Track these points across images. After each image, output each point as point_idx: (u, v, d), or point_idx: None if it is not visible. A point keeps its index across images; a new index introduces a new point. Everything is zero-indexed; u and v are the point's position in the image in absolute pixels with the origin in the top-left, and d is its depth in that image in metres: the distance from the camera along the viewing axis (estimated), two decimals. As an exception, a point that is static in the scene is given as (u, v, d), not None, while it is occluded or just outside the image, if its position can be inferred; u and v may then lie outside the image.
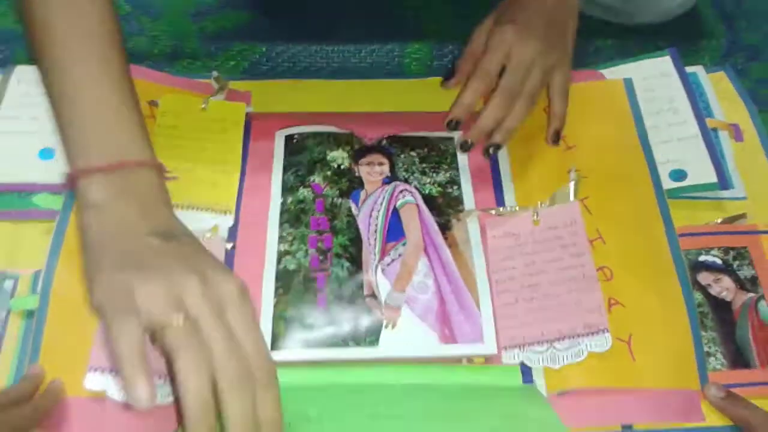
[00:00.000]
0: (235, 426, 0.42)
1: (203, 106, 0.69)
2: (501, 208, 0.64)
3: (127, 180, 0.51)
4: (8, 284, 0.59)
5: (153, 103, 0.68)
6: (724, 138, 0.69)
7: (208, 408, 0.42)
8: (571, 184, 0.63)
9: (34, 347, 0.55)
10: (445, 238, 0.62)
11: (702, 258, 0.62)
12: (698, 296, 0.60)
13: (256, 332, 0.45)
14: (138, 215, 0.50)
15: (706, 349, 0.57)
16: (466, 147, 0.65)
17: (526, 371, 0.56)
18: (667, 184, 0.65)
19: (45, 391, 0.53)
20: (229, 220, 0.63)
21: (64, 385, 0.54)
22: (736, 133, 0.70)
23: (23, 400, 0.51)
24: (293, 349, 0.56)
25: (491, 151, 0.65)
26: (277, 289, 0.59)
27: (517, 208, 0.64)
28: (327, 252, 0.61)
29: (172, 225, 0.51)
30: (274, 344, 0.56)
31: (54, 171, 0.62)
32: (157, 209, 0.51)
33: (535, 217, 0.63)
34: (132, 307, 0.44)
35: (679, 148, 0.67)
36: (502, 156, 0.68)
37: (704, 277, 0.61)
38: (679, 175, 0.66)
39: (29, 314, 0.57)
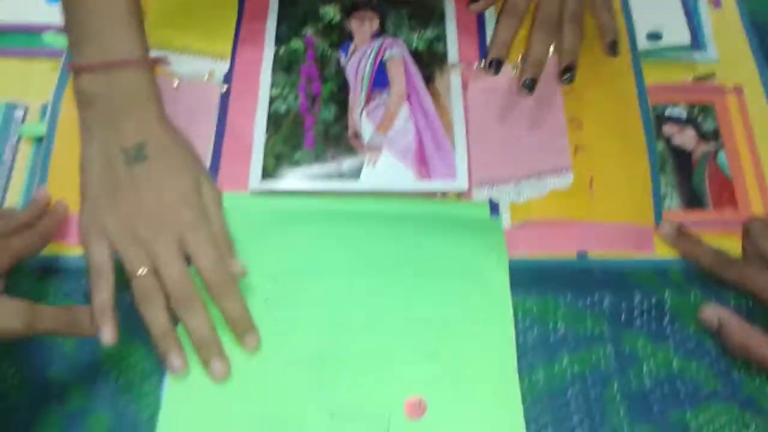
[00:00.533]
0: (193, 335, 0.52)
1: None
2: (483, 62, 0.67)
3: (114, 79, 0.54)
4: (18, 113, 0.63)
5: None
6: (704, 5, 0.72)
7: (167, 330, 0.52)
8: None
9: (42, 170, 0.60)
10: (429, 89, 0.66)
11: (668, 111, 0.65)
12: (661, 146, 0.64)
13: (210, 252, 0.53)
14: (118, 122, 0.54)
15: (663, 191, 0.61)
16: (529, 85, 0.63)
17: (493, 206, 0.61)
18: (643, 44, 0.68)
19: (49, 212, 0.57)
20: (224, 66, 0.67)
21: (68, 204, 0.58)
22: (715, 1, 0.72)
23: (27, 225, 0.54)
24: (282, 179, 0.61)
25: (566, 77, 0.64)
26: (268, 129, 0.63)
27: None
28: (315, 97, 0.65)
29: (148, 133, 0.54)
30: (265, 176, 0.61)
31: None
32: (139, 112, 0.55)
33: (515, 71, 0.66)
34: (104, 260, 0.52)
35: (657, 10, 0.69)
36: (490, 14, 0.70)
37: (668, 128, 0.64)
38: (654, 36, 0.68)
39: (38, 140, 0.62)
